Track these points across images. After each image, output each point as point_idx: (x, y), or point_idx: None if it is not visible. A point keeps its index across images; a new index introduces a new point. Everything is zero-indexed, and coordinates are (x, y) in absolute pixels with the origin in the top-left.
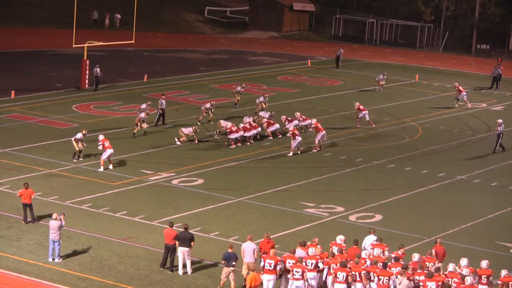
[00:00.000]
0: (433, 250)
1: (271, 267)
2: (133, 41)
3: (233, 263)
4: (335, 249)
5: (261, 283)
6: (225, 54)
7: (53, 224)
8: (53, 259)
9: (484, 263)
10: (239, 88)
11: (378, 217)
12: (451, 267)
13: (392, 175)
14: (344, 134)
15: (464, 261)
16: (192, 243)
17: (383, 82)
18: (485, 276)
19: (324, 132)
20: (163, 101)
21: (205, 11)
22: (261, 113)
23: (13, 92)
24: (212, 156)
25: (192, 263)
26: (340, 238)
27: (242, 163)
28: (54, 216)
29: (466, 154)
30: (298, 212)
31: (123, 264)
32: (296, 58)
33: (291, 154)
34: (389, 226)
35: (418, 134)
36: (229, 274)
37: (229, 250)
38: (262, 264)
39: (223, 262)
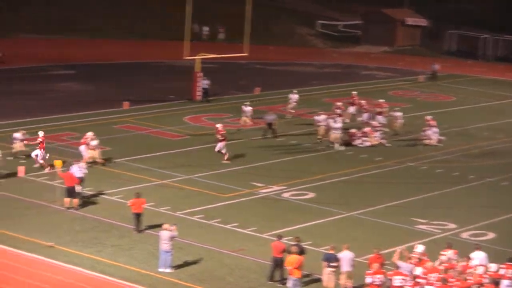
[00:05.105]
0: None
1: (380, 281)
2: (246, 54)
3: (333, 264)
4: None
5: None
6: (337, 68)
7: (164, 234)
8: (165, 269)
9: None
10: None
11: (491, 235)
12: None
13: (505, 193)
14: (456, 150)
15: None
16: (302, 256)
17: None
18: None
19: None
20: (271, 116)
21: (317, 25)
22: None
23: (126, 103)
24: (323, 170)
25: (302, 276)
26: (421, 247)
27: (353, 177)
28: (165, 226)
29: None
30: (409, 228)
31: (233, 276)
32: (409, 73)
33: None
34: (503, 244)
35: None
36: (329, 275)
37: (330, 252)
38: (370, 280)
39: (324, 263)
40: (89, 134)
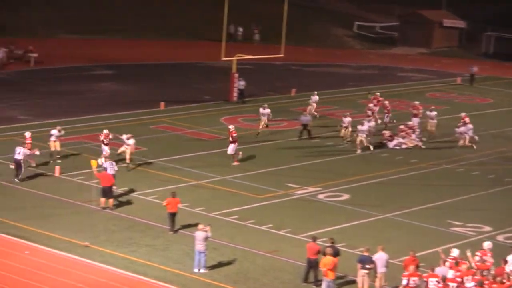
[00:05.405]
0: None
1: (415, 284)
2: (282, 55)
3: (367, 266)
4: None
5: None
6: (373, 70)
7: (199, 235)
8: (199, 270)
9: None
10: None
11: None
12: None
13: None
14: (493, 153)
15: None
16: (337, 257)
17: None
18: None
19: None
20: (307, 118)
21: (354, 27)
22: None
23: (162, 103)
24: (358, 171)
25: (336, 278)
26: (456, 251)
27: (388, 179)
28: (200, 227)
29: None
30: (444, 231)
31: (268, 277)
32: (445, 75)
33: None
34: None
35: None
36: (363, 277)
37: (365, 253)
38: (405, 282)
39: (358, 265)
40: (105, 131)
